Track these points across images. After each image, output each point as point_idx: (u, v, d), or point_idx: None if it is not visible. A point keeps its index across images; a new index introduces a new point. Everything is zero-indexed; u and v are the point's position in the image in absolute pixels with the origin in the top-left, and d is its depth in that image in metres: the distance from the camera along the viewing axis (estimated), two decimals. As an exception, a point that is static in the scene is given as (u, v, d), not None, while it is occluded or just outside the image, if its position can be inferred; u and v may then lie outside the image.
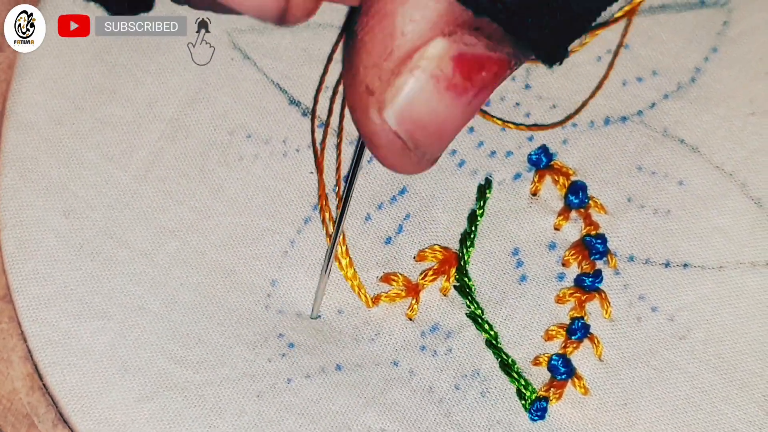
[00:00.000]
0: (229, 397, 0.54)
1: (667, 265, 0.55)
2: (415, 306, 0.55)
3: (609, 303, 0.54)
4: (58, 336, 0.54)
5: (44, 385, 0.54)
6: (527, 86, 0.59)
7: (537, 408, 0.53)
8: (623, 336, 0.54)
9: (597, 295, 0.55)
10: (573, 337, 0.54)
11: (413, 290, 0.56)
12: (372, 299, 0.55)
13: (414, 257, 0.56)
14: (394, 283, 0.56)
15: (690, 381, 0.53)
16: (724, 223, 0.56)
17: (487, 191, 0.57)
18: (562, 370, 0.53)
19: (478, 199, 0.57)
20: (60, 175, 0.57)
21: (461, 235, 0.56)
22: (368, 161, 0.57)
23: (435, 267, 0.56)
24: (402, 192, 0.57)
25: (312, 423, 0.53)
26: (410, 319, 0.55)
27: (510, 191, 0.57)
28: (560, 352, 0.54)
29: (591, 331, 0.54)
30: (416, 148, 0.42)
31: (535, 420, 0.53)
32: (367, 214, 0.57)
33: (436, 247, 0.56)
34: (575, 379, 0.53)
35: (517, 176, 0.57)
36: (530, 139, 0.58)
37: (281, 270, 0.56)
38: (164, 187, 0.57)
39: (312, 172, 0.57)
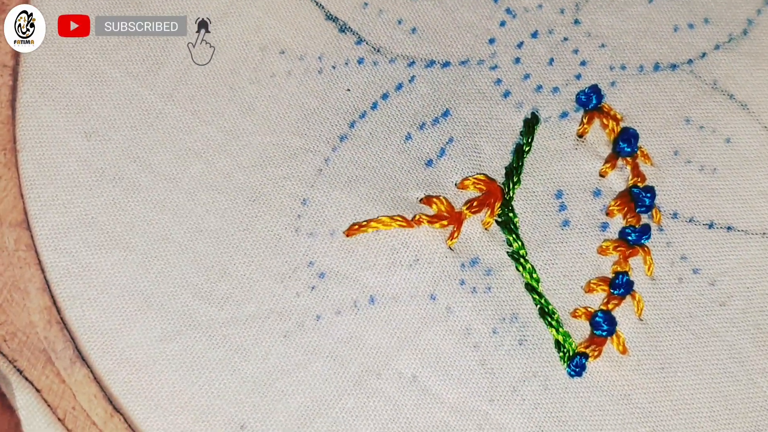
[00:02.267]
0: (255, 337, 0.51)
1: (710, 226, 0.54)
2: (456, 234, 0.53)
3: (652, 260, 0.53)
4: (78, 268, 0.51)
5: (62, 319, 0.51)
6: (576, 21, 0.56)
7: (577, 364, 0.52)
8: (663, 296, 0.53)
9: (640, 251, 0.53)
10: (615, 292, 0.53)
11: (456, 218, 0.53)
12: (414, 219, 0.53)
13: (456, 184, 0.54)
14: (435, 207, 0.53)
15: (728, 350, 0.53)
16: (770, 188, 0.55)
17: (535, 126, 0.54)
18: (605, 327, 0.52)
19: (524, 134, 0.54)
20: (82, 93, 0.52)
21: (506, 168, 0.54)
22: (409, 81, 0.54)
23: (480, 198, 0.53)
24: (445, 114, 0.54)
25: (340, 367, 0.51)
26: (450, 249, 0.53)
27: (555, 130, 0.55)
28: (602, 307, 0.53)
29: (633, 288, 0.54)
30: None
31: (573, 376, 0.52)
32: (408, 133, 0.54)
33: (481, 177, 0.54)
34: (615, 337, 0.53)
35: (564, 115, 0.55)
36: (578, 77, 0.55)
37: (314, 188, 0.53)
38: (191, 107, 0.53)
39: (349, 90, 0.54)
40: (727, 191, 0.55)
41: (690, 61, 0.56)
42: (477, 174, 0.54)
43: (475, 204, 0.53)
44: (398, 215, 0.53)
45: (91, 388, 0.50)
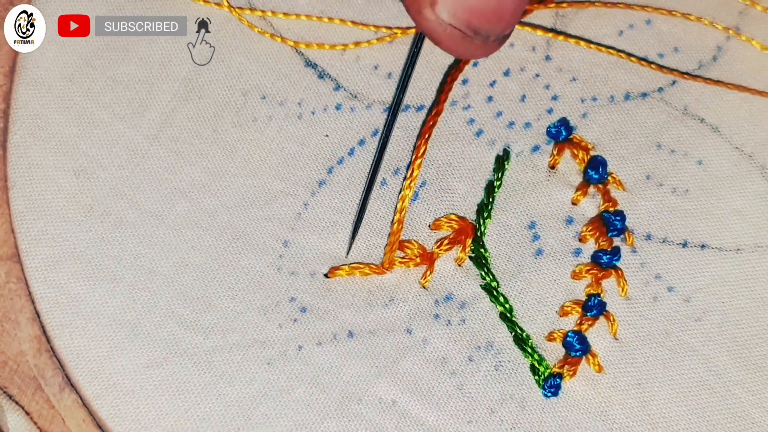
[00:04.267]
0: (239, 364, 0.53)
1: (684, 245, 0.55)
2: (429, 275, 0.55)
3: (625, 281, 0.54)
4: (67, 298, 0.53)
5: (52, 348, 0.53)
6: (548, 58, 0.58)
7: (551, 384, 0.53)
8: (638, 315, 0.54)
9: (614, 273, 0.54)
10: (589, 314, 0.54)
11: (428, 259, 0.55)
12: (384, 263, 0.55)
13: (429, 225, 0.56)
14: (409, 251, 0.55)
15: (704, 363, 0.53)
16: (743, 206, 0.55)
17: (506, 162, 0.56)
18: (578, 347, 0.53)
19: (495, 170, 0.56)
20: (71, 133, 0.56)
21: (478, 205, 0.56)
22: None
23: (451, 236, 0.55)
24: None
25: (322, 393, 0.53)
26: (424, 288, 0.55)
27: (528, 163, 0.56)
28: (575, 328, 0.54)
29: (606, 308, 0.54)
30: (476, 34, 0.44)
31: (549, 396, 0.53)
32: (383, 179, 0.56)
33: (452, 216, 0.55)
34: (590, 357, 0.53)
35: (536, 148, 0.56)
36: (549, 111, 0.57)
37: (294, 231, 0.55)
38: (176, 148, 0.56)
39: (327, 135, 0.57)
40: (700, 211, 0.55)
41: (660, 89, 0.57)
42: (449, 214, 0.56)
43: (446, 243, 0.55)
44: (373, 264, 0.55)
45: (80, 413, 0.52)
